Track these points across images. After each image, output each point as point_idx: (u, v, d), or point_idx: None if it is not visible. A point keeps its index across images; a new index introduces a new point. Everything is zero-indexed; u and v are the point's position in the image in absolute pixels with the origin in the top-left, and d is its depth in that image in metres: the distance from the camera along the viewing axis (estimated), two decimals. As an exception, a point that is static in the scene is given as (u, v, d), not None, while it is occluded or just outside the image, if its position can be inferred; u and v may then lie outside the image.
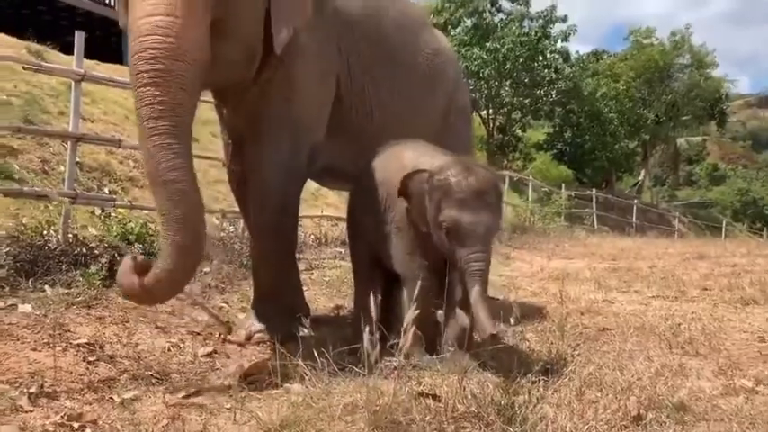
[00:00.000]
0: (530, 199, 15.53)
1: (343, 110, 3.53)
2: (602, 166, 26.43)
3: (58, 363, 2.57)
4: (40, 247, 3.90)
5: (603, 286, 5.57)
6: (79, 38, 4.65)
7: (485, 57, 20.56)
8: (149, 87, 2.41)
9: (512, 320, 2.67)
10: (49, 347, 2.71)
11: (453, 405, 2.11)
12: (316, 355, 2.41)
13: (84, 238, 4.08)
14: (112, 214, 4.77)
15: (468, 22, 22.39)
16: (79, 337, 2.91)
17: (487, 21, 22.04)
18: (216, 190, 7.29)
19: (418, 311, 2.36)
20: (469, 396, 2.16)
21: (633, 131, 27.71)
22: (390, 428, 1.99)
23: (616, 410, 2.13)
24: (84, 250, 4.03)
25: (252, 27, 2.94)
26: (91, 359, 2.74)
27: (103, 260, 3.96)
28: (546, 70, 21.81)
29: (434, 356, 2.66)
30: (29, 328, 2.89)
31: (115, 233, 4.34)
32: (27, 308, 3.15)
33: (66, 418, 2.16)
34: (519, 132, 25.05)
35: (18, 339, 2.77)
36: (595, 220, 18.06)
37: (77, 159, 5.14)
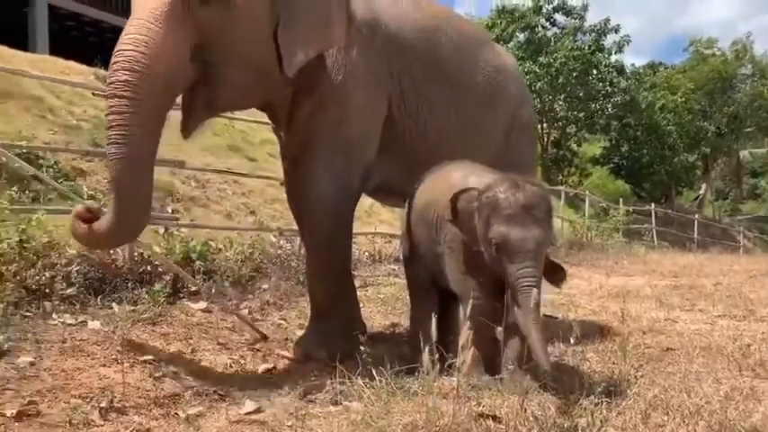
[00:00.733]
0: (586, 215, 15.20)
1: (396, 131, 3.58)
2: (660, 180, 25.67)
3: (126, 378, 2.67)
4: (107, 265, 4.05)
5: (665, 304, 5.39)
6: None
7: (537, 71, 20.37)
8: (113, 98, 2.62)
9: (572, 340, 2.63)
10: (118, 363, 2.81)
11: (515, 427, 2.08)
12: (374, 373, 2.43)
13: (148, 256, 4.22)
14: (175, 233, 4.92)
15: (521, 37, 22.26)
16: (145, 354, 3.01)
17: (540, 35, 21.86)
18: (273, 208, 7.45)
19: (472, 331, 2.34)
20: (531, 418, 2.13)
21: (693, 144, 26.89)
22: (451, 449, 1.97)
23: (685, 435, 2.07)
24: (149, 268, 4.19)
25: (259, 52, 2.98)
26: (157, 375, 2.84)
27: (167, 278, 4.11)
28: (601, 84, 21.44)
29: (494, 376, 2.63)
30: (98, 345, 3.02)
31: (178, 252, 4.48)
32: (96, 324, 3.28)
33: (135, 432, 2.23)
34: (574, 147, 24.61)
35: (89, 355, 2.89)
36: (655, 235, 17.53)
37: (142, 180, 5.30)
